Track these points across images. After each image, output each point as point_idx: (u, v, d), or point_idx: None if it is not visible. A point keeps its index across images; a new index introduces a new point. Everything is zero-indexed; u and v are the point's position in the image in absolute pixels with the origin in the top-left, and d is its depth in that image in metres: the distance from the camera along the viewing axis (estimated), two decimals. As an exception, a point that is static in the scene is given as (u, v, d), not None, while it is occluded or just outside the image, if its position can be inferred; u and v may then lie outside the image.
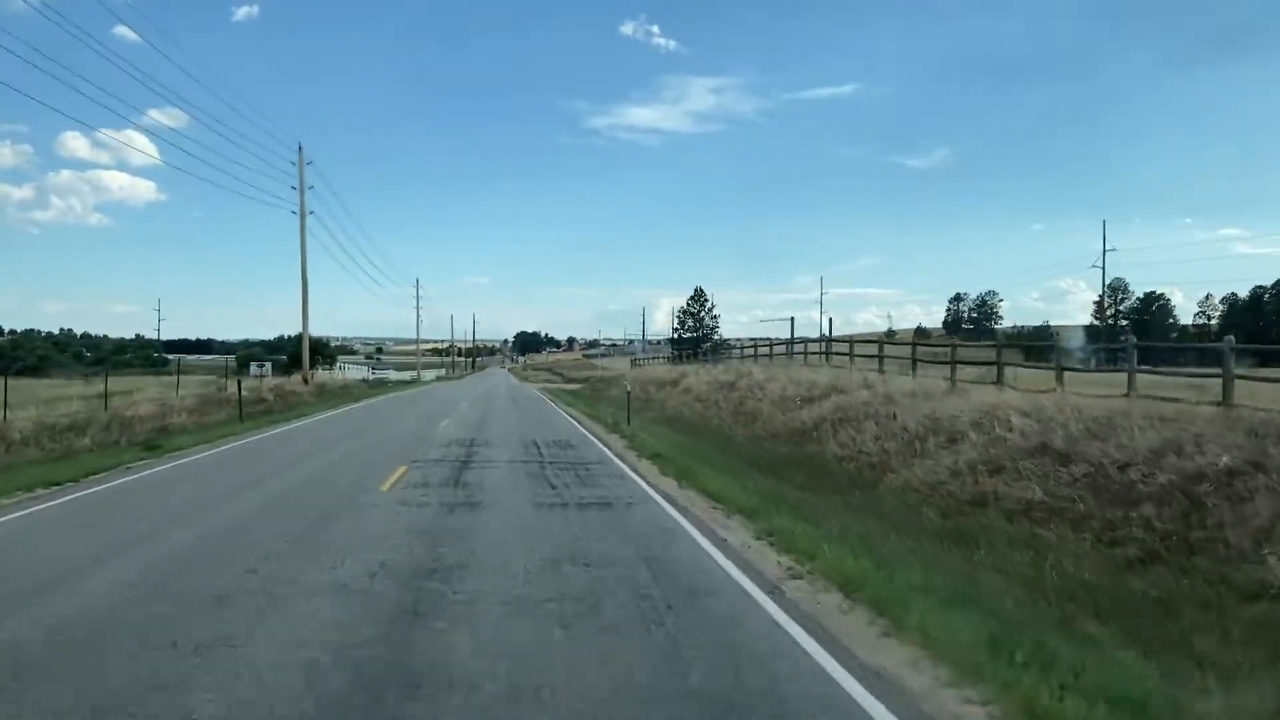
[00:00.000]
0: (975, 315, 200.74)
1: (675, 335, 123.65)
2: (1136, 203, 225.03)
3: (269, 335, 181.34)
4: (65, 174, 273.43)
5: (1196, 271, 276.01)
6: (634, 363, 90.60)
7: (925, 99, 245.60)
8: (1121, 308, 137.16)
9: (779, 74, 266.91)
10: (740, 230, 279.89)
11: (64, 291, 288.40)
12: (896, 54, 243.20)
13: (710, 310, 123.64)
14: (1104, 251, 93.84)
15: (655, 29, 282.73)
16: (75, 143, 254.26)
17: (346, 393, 48.35)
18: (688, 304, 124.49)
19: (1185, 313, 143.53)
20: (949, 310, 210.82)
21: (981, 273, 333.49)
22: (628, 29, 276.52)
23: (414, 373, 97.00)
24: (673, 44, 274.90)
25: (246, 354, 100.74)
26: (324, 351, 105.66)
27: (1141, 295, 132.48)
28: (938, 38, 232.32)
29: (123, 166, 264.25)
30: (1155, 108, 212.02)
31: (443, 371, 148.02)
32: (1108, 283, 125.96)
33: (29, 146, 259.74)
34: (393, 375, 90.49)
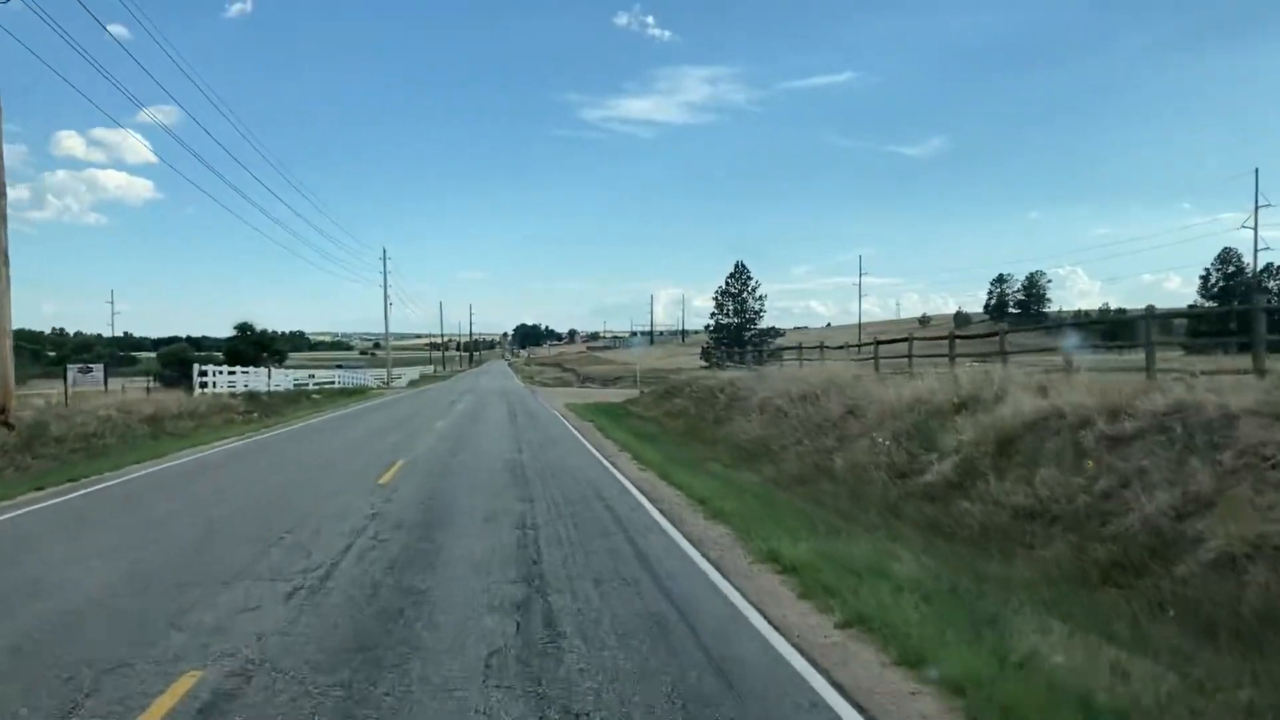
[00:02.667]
0: (1023, 298, 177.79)
1: (712, 323, 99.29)
2: (1134, 189, 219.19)
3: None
4: (60, 174, 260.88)
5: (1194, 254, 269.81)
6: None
7: (920, 88, 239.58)
8: (1230, 281, 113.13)
9: (774, 64, 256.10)
10: (736, 221, 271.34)
11: (57, 291, 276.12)
12: (891, 43, 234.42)
13: (754, 291, 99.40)
14: (1256, 208, 69.11)
15: (650, 19, 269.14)
16: (70, 141, 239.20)
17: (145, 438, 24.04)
18: (727, 283, 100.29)
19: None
20: (991, 293, 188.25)
21: (978, 260, 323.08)
22: (621, 20, 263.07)
23: (378, 378, 72.80)
24: (667, 34, 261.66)
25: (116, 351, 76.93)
26: (270, 348, 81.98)
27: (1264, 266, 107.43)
28: (932, 26, 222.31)
29: (119, 165, 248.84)
30: (1153, 93, 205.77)
31: (431, 369, 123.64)
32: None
33: (23, 146, 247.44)
34: (353, 380, 66.67)
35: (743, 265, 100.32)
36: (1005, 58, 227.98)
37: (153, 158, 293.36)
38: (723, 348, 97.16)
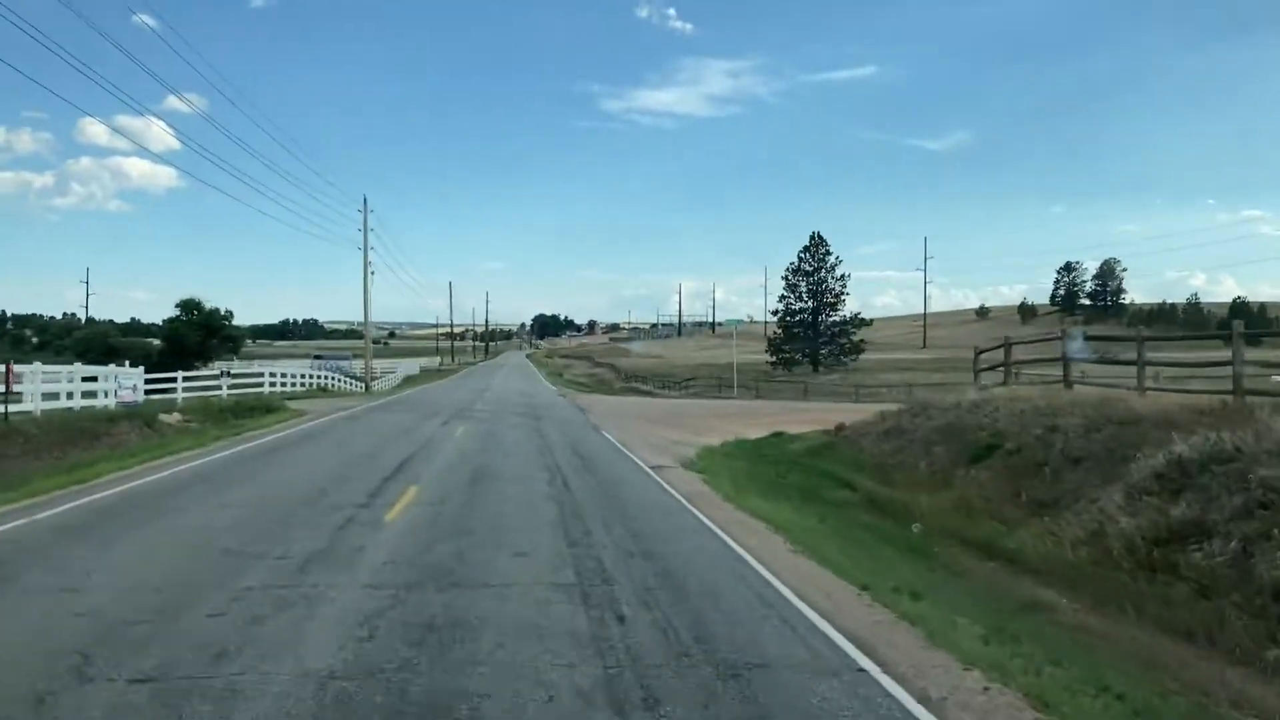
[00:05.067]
0: (1098, 288, 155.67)
1: (781, 308, 77.81)
2: (1157, 185, 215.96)
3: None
4: (85, 160, 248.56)
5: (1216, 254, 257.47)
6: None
7: (943, 81, 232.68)
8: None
9: (796, 56, 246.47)
10: (759, 214, 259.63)
11: (80, 276, 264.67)
12: (913, 34, 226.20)
13: (834, 268, 77.79)
14: None
15: (671, 11, 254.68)
16: (93, 129, 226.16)
17: None
18: (800, 259, 78.89)
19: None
20: (1059, 282, 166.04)
21: (999, 256, 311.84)
22: (643, 11, 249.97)
23: (355, 378, 52.41)
24: (689, 26, 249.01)
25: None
26: (223, 331, 61.21)
27: None
28: (953, 17, 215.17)
29: (140, 154, 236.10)
30: (1177, 87, 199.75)
31: (438, 362, 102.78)
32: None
33: (48, 134, 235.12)
34: (321, 377, 46.26)
35: (819, 237, 78.93)
36: (1027, 49, 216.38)
37: (175, 143, 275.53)
38: (795, 341, 76.51)
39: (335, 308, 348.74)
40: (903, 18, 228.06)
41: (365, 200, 52.73)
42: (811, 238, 78.14)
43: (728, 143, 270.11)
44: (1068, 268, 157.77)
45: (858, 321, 78.17)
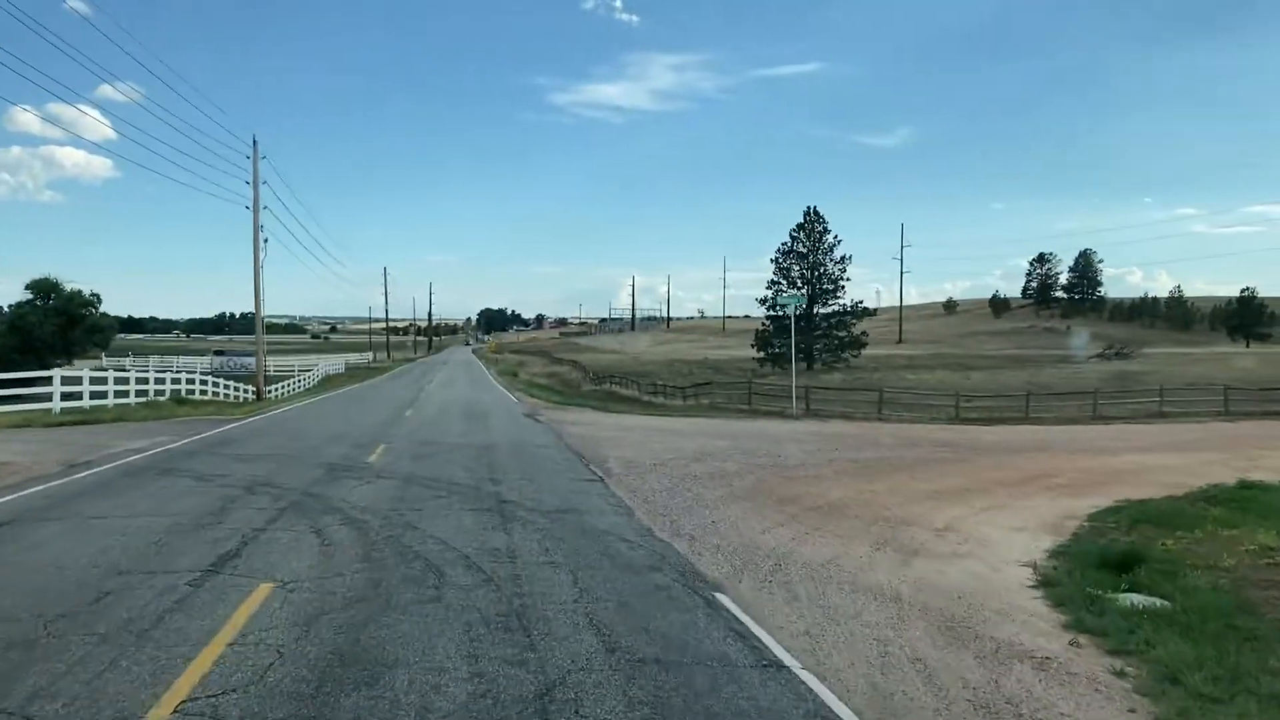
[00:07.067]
0: (1075, 280, 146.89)
1: (769, 296, 65.64)
2: (1095, 183, 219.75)
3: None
4: (15, 150, 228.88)
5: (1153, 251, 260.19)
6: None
7: (888, 78, 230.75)
8: None
9: (742, 51, 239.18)
10: (709, 207, 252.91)
11: (17, 269, 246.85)
12: (859, 32, 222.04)
13: (832, 250, 65.86)
14: None
15: (617, 3, 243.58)
16: (24, 117, 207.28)
17: None
18: (793, 239, 66.69)
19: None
20: (1031, 274, 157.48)
21: (941, 250, 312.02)
22: (589, 3, 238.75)
23: (288, 368, 39.65)
24: (635, 19, 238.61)
25: None
26: (85, 322, 47.66)
27: None
28: (901, 17, 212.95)
29: (77, 144, 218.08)
30: (1120, 86, 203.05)
31: (370, 358, 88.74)
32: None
33: None
34: (204, 377, 33.35)
35: (815, 212, 66.91)
36: (972, 49, 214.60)
37: (111, 135, 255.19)
38: (787, 334, 64.27)
39: (276, 301, 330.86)
40: (848, 14, 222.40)
41: (255, 143, 39.12)
42: (806, 214, 66.24)
43: (675, 137, 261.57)
44: (1041, 259, 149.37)
45: (860, 311, 66.48)
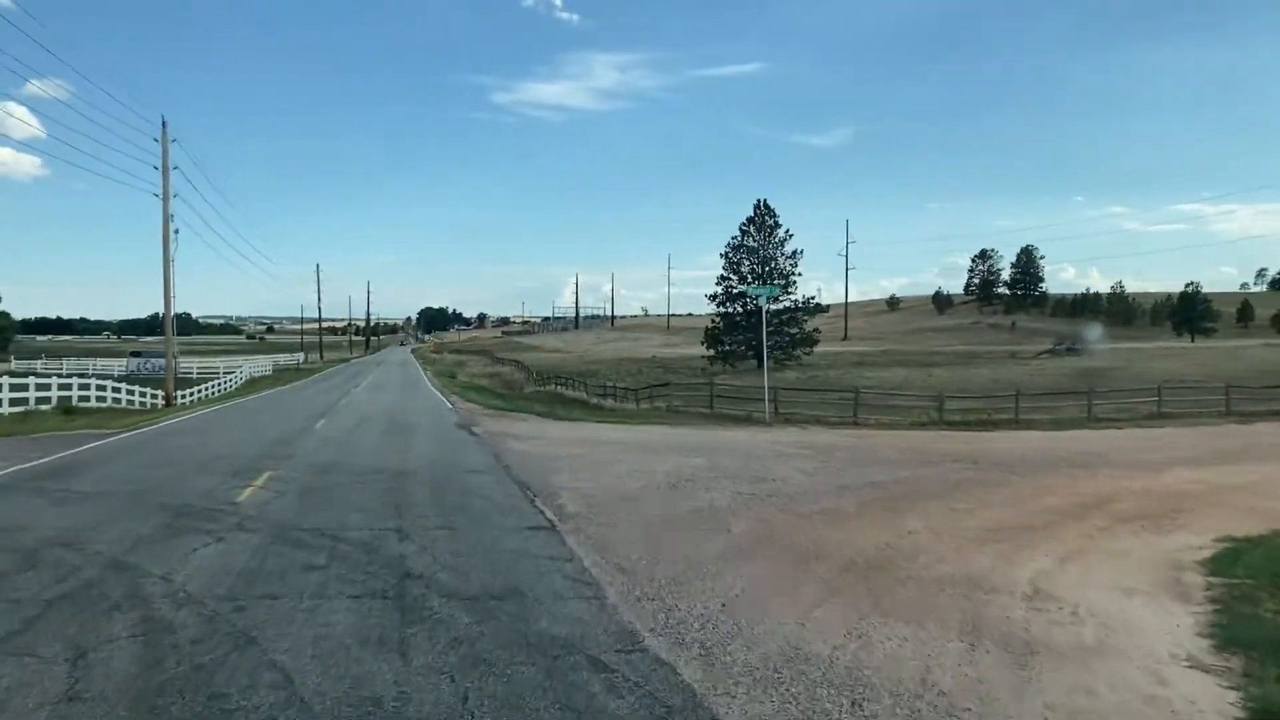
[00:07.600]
0: (1019, 276, 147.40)
1: (720, 291, 63.06)
2: (1030, 182, 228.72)
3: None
4: None
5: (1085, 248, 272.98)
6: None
7: (828, 78, 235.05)
8: None
9: (684, 51, 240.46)
10: (651, 207, 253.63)
11: None
12: (799, 32, 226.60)
13: (783, 244, 63.49)
14: None
15: (557, 1, 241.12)
16: None
17: None
18: (743, 233, 64.11)
19: None
20: (973, 270, 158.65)
21: (878, 248, 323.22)
22: (528, 1, 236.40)
23: (200, 371, 35.92)
24: (575, 17, 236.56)
25: None
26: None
27: None
28: (841, 17, 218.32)
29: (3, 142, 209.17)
30: (1052, 89, 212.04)
31: (300, 359, 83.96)
32: None
33: None
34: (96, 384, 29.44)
35: (766, 205, 64.44)
36: (910, 51, 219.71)
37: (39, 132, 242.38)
38: (738, 331, 61.77)
39: (213, 302, 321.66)
40: (790, 15, 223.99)
41: (164, 124, 35.06)
42: (756, 207, 63.74)
43: (617, 137, 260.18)
44: (983, 255, 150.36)
45: (812, 308, 64.16)
